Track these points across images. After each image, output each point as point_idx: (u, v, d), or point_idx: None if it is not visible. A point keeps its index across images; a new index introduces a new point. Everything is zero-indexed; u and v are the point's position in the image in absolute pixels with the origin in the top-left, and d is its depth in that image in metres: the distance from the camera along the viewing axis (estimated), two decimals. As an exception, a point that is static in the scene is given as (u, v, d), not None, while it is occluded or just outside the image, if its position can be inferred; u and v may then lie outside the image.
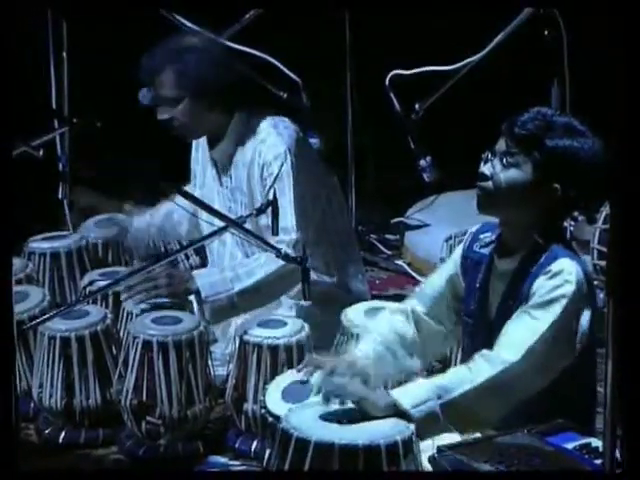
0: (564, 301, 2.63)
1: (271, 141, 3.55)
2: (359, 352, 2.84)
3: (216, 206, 3.57)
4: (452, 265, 2.90)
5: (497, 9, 3.98)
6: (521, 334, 2.62)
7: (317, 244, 3.61)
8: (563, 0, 3.79)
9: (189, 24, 4.04)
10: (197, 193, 3.68)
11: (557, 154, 2.67)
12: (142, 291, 3.41)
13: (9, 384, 2.27)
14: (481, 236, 2.84)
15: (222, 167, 3.67)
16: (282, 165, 3.53)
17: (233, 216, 3.46)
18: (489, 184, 2.71)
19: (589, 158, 2.68)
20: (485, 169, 2.72)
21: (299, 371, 2.86)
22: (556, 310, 2.63)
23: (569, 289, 2.64)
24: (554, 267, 2.66)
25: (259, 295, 3.52)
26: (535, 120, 2.68)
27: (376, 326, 2.94)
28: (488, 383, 2.60)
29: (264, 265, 3.43)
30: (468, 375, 2.61)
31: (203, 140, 3.70)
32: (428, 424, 2.58)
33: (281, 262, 3.36)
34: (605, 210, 3.84)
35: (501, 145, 2.72)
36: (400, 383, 3.11)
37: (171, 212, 3.85)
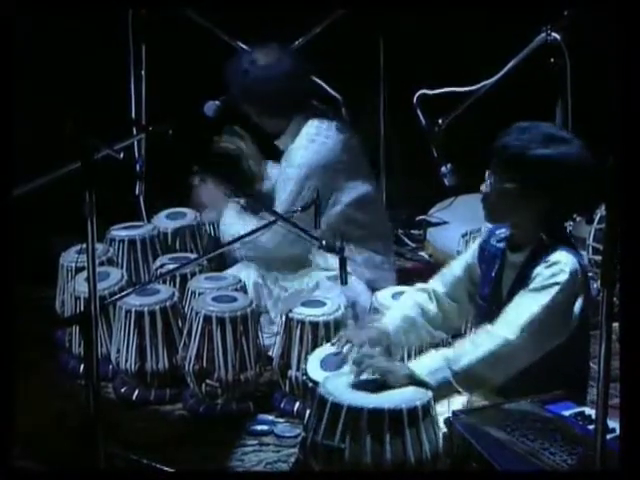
0: (557, 287, 2.61)
1: (299, 150, 3.52)
2: (387, 320, 2.85)
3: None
4: (470, 255, 2.88)
5: (510, 37, 3.97)
6: (517, 314, 2.60)
7: (361, 240, 3.60)
8: (568, 30, 3.77)
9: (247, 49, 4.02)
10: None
11: (540, 164, 2.61)
12: None
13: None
14: (497, 232, 2.81)
15: (282, 156, 3.65)
16: (293, 171, 3.50)
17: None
18: (487, 200, 2.70)
19: (571, 160, 2.62)
20: (483, 187, 2.71)
21: (333, 344, 2.85)
22: (549, 295, 2.60)
23: (563, 277, 2.61)
24: (552, 258, 2.63)
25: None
26: (517, 140, 2.63)
27: (402, 300, 2.94)
28: (488, 355, 2.58)
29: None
30: (470, 348, 2.60)
31: None
32: (442, 388, 2.58)
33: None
34: (600, 212, 3.79)
35: (492, 165, 2.69)
36: (422, 352, 3.12)
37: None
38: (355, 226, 3.59)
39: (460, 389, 2.60)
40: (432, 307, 2.86)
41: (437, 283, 2.90)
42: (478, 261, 2.85)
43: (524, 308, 2.60)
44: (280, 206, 3.51)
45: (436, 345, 3.30)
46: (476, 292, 2.84)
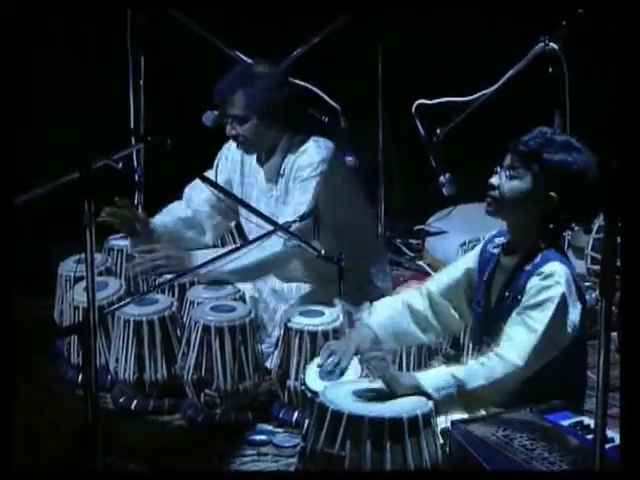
0: (556, 300, 2.63)
1: (309, 152, 3.53)
2: (372, 323, 2.86)
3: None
4: (470, 259, 2.90)
5: (509, 46, 3.98)
6: (524, 337, 2.63)
7: (351, 249, 3.60)
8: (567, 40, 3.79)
9: (247, 59, 4.04)
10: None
11: (552, 166, 2.67)
12: (142, 267, 3.42)
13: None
14: (495, 240, 2.86)
15: (269, 178, 3.64)
16: (312, 171, 3.49)
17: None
18: (496, 192, 2.73)
19: (582, 170, 2.67)
20: (493, 180, 2.74)
21: (320, 363, 2.85)
22: (549, 309, 2.63)
23: (559, 290, 2.63)
24: (546, 269, 2.65)
25: (249, 274, 3.46)
26: (536, 138, 2.69)
27: (390, 299, 2.95)
28: (498, 380, 2.62)
29: (262, 249, 3.37)
30: (482, 372, 2.62)
31: (241, 156, 3.65)
32: (444, 404, 2.59)
33: (275, 249, 3.33)
34: (598, 222, 3.80)
35: (507, 160, 2.74)
36: (409, 349, 3.16)
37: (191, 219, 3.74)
38: (351, 218, 3.58)
39: (459, 407, 2.60)
40: (422, 307, 2.88)
41: (432, 284, 2.93)
42: (477, 266, 2.87)
43: (528, 329, 2.62)
44: (303, 207, 3.42)
45: (434, 350, 3.34)
46: (473, 298, 2.86)
